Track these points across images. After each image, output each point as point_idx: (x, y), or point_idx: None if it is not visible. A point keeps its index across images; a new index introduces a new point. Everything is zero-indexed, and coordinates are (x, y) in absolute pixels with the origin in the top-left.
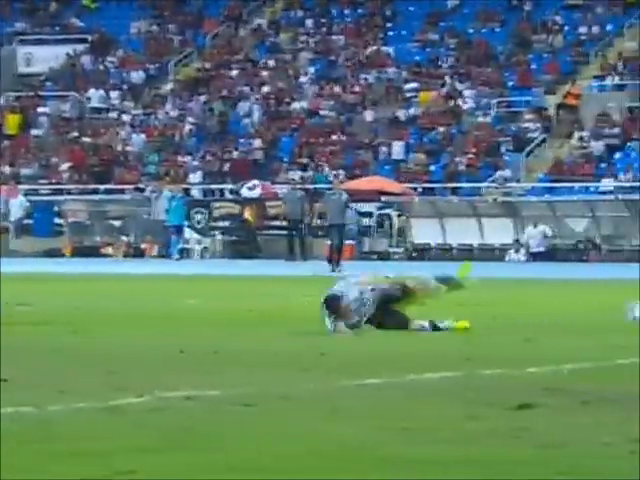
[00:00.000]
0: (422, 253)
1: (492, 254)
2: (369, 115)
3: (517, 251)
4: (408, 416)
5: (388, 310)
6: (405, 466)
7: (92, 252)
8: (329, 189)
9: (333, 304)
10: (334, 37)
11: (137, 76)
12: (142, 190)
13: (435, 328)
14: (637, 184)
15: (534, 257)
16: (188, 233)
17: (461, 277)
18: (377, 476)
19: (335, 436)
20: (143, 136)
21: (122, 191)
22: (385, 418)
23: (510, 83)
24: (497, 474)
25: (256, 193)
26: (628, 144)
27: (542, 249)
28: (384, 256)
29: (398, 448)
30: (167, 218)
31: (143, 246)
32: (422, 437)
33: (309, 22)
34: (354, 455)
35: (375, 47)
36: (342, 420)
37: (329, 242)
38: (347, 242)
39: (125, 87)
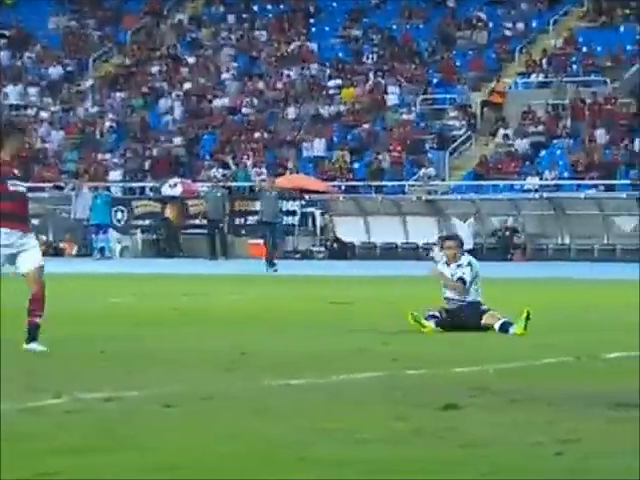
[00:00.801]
0: (346, 252)
1: (416, 253)
2: (292, 112)
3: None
4: (332, 417)
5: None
6: (327, 467)
7: None
8: (251, 187)
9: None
10: (256, 33)
11: (55, 72)
12: (61, 188)
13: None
14: (562, 182)
15: None
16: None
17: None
18: (299, 476)
19: (258, 436)
20: (62, 133)
21: (41, 189)
22: (309, 418)
23: (434, 80)
24: (422, 474)
25: (177, 191)
26: (553, 142)
27: (470, 247)
28: (307, 255)
29: (321, 449)
30: (90, 216)
31: (62, 245)
32: (346, 437)
33: (231, 17)
34: (277, 455)
35: (298, 43)
36: (265, 420)
37: (262, 241)
38: None
39: (43, 83)
